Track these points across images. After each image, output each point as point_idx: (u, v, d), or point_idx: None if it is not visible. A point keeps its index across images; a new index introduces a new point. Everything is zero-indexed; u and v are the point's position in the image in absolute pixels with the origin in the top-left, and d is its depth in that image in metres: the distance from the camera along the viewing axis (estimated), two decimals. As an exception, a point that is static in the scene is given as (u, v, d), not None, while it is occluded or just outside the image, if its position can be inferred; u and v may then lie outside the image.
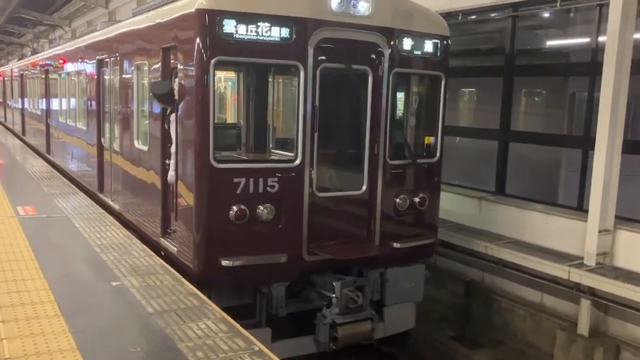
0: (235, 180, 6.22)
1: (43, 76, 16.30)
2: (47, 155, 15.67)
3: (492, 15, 10.24)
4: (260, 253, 6.37)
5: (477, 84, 12.16)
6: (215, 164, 6.14)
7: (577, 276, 7.64)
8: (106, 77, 9.88)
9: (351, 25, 6.61)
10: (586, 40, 9.15)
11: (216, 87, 6.40)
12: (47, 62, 15.74)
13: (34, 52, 29.37)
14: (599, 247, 7.71)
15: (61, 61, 13.72)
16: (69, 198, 9.65)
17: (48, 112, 15.76)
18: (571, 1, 8.78)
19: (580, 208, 8.41)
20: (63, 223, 7.86)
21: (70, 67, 12.86)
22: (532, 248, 8.57)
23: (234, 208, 6.21)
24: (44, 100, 16.22)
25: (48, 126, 15.74)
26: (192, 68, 6.11)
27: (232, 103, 9.03)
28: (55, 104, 14.86)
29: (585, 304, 7.81)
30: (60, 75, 14.02)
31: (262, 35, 6.10)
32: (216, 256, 6.23)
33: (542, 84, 11.88)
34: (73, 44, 12.97)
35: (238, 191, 6.22)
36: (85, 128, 11.30)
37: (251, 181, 6.27)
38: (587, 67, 8.45)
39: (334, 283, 6.82)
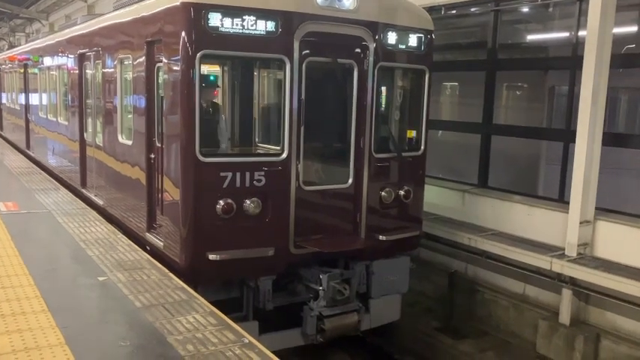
0: (222, 174, 6.21)
1: (22, 71, 16.04)
2: (27, 150, 15.46)
3: (474, 9, 10.33)
4: (247, 247, 6.38)
5: (459, 78, 12.26)
6: (201, 158, 6.13)
7: (559, 266, 7.79)
8: (89, 71, 9.77)
9: (337, 18, 6.64)
10: (566, 34, 9.29)
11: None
12: (26, 56, 15.48)
13: (11, 45, 28.85)
14: (580, 237, 7.86)
15: (41, 55, 13.51)
16: (50, 193, 9.55)
17: (27, 106, 15.52)
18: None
19: (561, 199, 8.55)
20: (46, 219, 7.78)
21: (50, 61, 12.67)
22: (515, 240, 8.69)
23: (221, 202, 6.20)
24: (23, 94, 15.97)
25: (27, 121, 15.51)
26: (178, 62, 6.08)
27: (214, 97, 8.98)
28: (34, 99, 14.64)
29: (567, 293, 7.95)
30: (40, 69, 13.80)
31: (248, 29, 6.09)
32: (203, 251, 6.23)
33: (522, 78, 12.02)
34: (54, 38, 12.78)
35: (225, 185, 6.22)
36: (66, 123, 11.17)
37: (238, 175, 6.27)
38: (568, 61, 8.57)
39: (321, 276, 6.87)
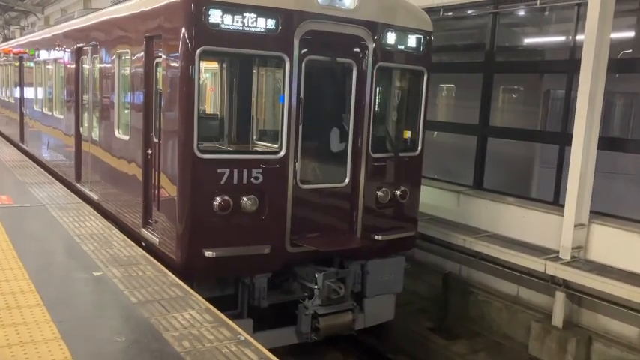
0: (219, 171, 6.21)
1: (17, 64, 15.94)
2: (21, 144, 15.38)
3: (471, 12, 10.35)
4: (243, 244, 6.38)
5: (456, 79, 12.29)
6: (199, 155, 6.12)
7: (552, 269, 7.83)
8: (86, 66, 9.73)
9: (337, 18, 6.65)
10: (564, 38, 9.33)
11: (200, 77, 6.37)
12: (22, 49, 15.39)
13: (6, 38, 28.68)
14: (574, 241, 7.90)
15: (37, 49, 13.44)
16: (45, 187, 9.50)
17: (22, 100, 15.44)
18: (550, 0, 8.93)
19: (556, 202, 8.60)
20: (40, 213, 7.74)
21: (47, 54, 12.61)
22: (509, 241, 8.73)
23: (218, 199, 6.20)
24: (18, 88, 15.88)
25: (22, 115, 15.43)
26: (177, 58, 6.07)
27: (211, 93, 8.98)
28: (30, 92, 14.55)
29: (560, 296, 7.99)
30: (36, 62, 13.73)
31: (248, 26, 6.09)
32: (199, 247, 6.22)
33: (517, 81, 12.07)
34: (50, 31, 12.71)
35: (222, 182, 6.22)
36: (62, 117, 11.12)
37: (235, 172, 6.26)
38: (566, 64, 8.61)
39: (316, 275, 6.87)
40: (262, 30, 6.17)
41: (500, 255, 8.53)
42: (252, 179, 6.36)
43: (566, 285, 7.89)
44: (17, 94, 16.06)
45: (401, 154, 7.54)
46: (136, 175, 7.42)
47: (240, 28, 6.06)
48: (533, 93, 11.60)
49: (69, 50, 10.59)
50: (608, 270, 7.57)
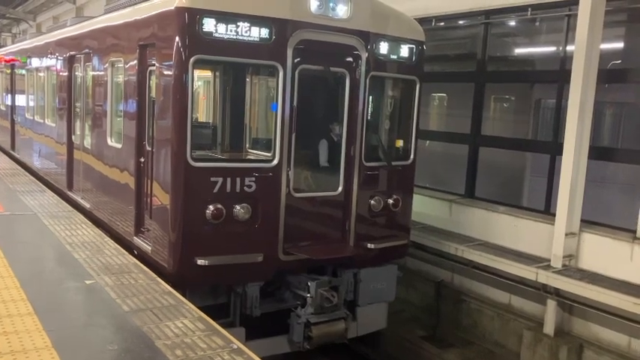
0: (212, 179, 6.20)
1: (9, 71, 15.89)
2: (11, 152, 15.32)
3: (463, 22, 10.45)
4: (236, 253, 6.37)
5: (447, 89, 12.37)
6: (192, 163, 6.12)
7: (544, 277, 7.86)
8: (78, 74, 9.71)
9: (330, 27, 6.70)
10: (555, 48, 9.43)
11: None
12: (13, 57, 15.34)
13: (-3, 46, 28.58)
14: (566, 249, 7.94)
15: (29, 56, 13.40)
16: (36, 195, 9.45)
17: (13, 107, 15.38)
18: (540, 11, 9.04)
19: (547, 211, 8.65)
20: (31, 221, 7.70)
21: (39, 62, 12.57)
22: (501, 250, 8.76)
23: (211, 207, 6.19)
24: (9, 95, 15.82)
25: (13, 122, 15.36)
26: (171, 66, 6.08)
27: (204, 102, 8.98)
28: (21, 100, 14.50)
29: (551, 304, 8.02)
30: (28, 70, 13.69)
31: (242, 35, 6.12)
32: (192, 256, 6.20)
33: (508, 90, 12.17)
34: (43, 39, 12.68)
35: (215, 190, 6.22)
36: (54, 125, 11.08)
37: (228, 180, 6.27)
38: (556, 74, 8.69)
39: (309, 283, 6.86)
40: (256, 39, 6.20)
41: (493, 263, 8.56)
42: (245, 187, 6.36)
43: (557, 293, 7.92)
44: (8, 101, 16.00)
45: (393, 163, 7.57)
46: (128, 183, 7.40)
47: (234, 37, 6.08)
48: (525, 102, 11.69)
49: (61, 58, 10.56)
50: (599, 278, 7.61)
